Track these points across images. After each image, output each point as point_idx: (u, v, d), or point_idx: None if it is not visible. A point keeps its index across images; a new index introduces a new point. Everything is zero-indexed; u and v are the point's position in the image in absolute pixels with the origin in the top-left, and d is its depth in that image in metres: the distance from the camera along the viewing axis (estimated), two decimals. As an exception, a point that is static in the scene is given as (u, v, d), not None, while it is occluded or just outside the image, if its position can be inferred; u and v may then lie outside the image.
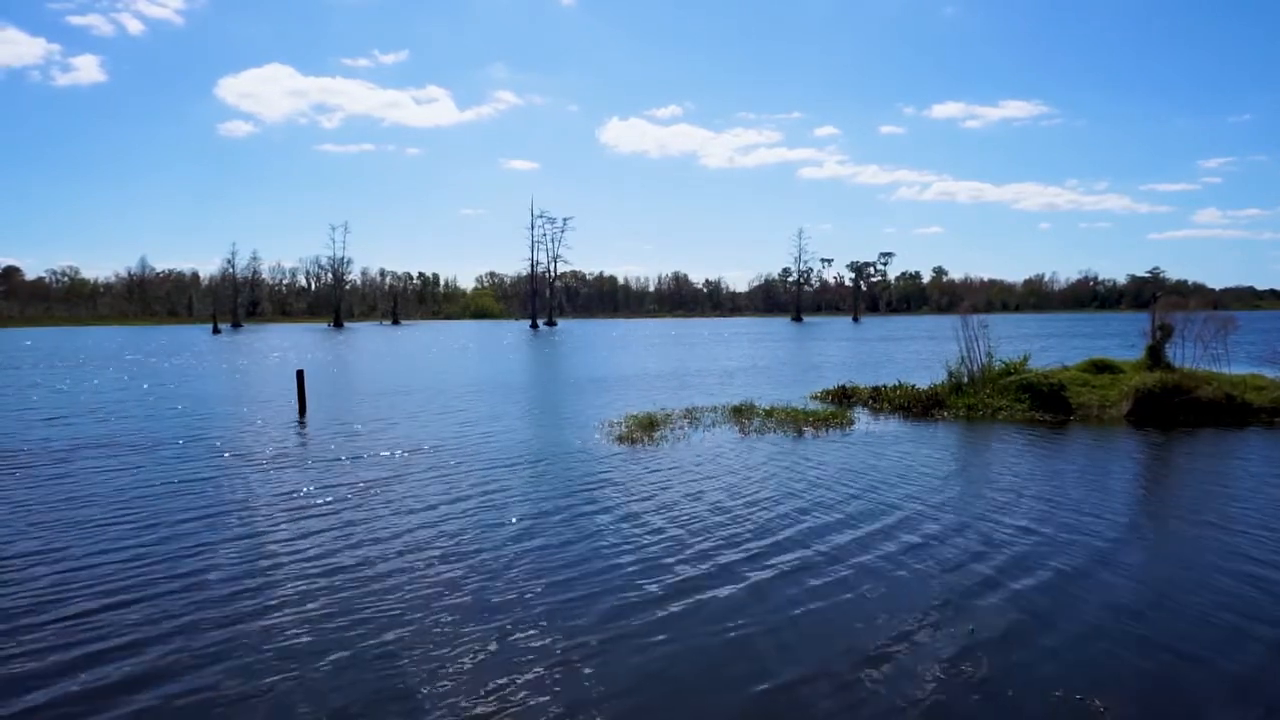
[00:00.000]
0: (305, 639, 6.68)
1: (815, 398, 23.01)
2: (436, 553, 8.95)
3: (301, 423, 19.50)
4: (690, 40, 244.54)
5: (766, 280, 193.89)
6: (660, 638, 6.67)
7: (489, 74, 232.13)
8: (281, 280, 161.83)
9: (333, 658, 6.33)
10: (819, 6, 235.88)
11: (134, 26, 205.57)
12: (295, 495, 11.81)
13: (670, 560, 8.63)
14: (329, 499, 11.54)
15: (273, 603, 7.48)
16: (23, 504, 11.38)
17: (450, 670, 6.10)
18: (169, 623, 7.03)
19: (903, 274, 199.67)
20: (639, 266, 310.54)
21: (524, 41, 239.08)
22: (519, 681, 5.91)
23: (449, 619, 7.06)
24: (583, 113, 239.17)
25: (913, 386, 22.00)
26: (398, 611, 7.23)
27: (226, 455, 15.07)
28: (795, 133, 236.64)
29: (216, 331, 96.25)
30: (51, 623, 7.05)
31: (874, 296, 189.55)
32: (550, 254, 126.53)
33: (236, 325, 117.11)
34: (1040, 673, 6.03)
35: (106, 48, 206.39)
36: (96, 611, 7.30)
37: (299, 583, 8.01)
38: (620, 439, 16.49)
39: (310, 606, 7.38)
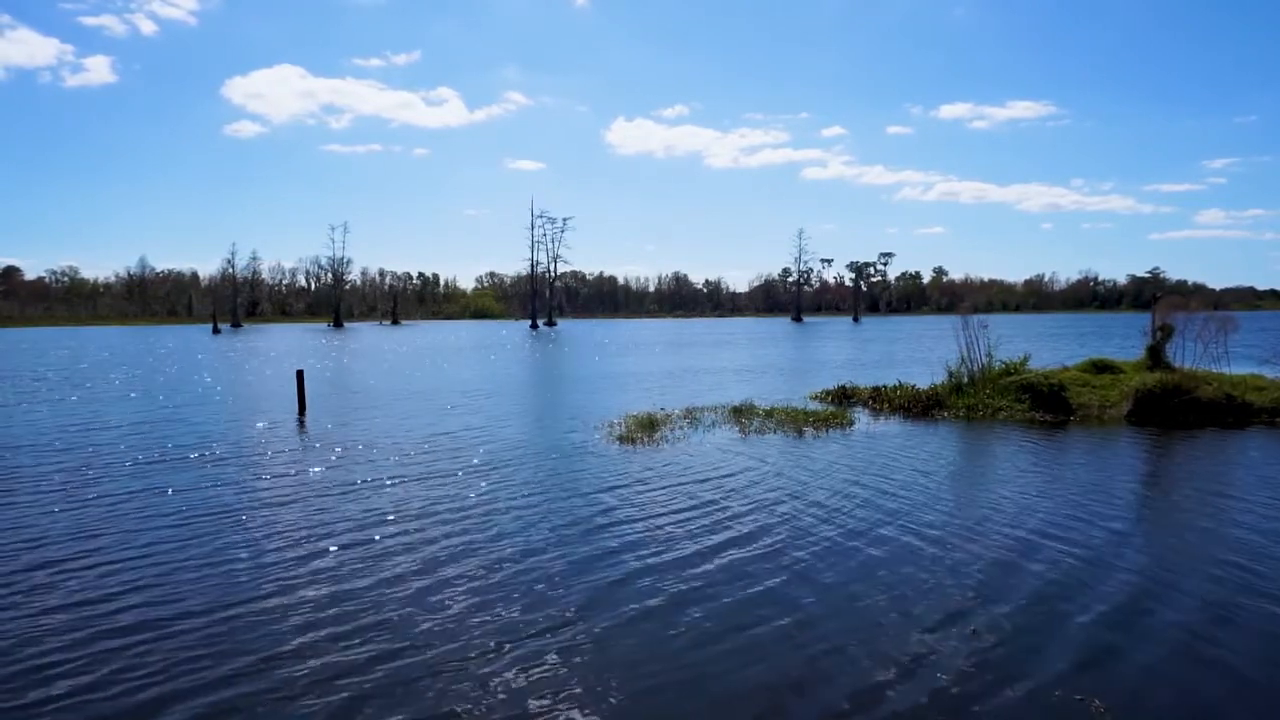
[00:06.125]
0: (338, 657, 6.67)
1: (815, 398, 22.99)
2: (451, 569, 8.92)
3: (301, 422, 19.65)
4: (701, 40, 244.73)
5: (766, 281, 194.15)
6: (675, 634, 6.68)
7: (501, 75, 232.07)
8: (281, 280, 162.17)
9: (362, 679, 6.33)
10: (830, 7, 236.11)
11: (147, 27, 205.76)
12: (295, 499, 11.81)
13: (673, 561, 8.65)
14: (330, 502, 11.54)
15: (306, 624, 7.47)
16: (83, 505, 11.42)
17: (486, 685, 6.10)
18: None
19: (903, 274, 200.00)
20: (640, 266, 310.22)
21: (537, 42, 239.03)
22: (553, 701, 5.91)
23: (482, 638, 7.02)
24: (591, 113, 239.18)
25: (913, 387, 21.97)
26: (427, 623, 7.23)
27: (230, 452, 15.16)
28: (802, 133, 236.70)
29: (216, 331, 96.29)
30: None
31: (874, 297, 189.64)
32: (550, 254, 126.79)
33: (236, 325, 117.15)
34: (1041, 673, 6.02)
35: (118, 48, 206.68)
36: (121, 650, 7.27)
37: (317, 595, 8.01)
38: (621, 439, 16.47)
39: (337, 620, 7.37)
